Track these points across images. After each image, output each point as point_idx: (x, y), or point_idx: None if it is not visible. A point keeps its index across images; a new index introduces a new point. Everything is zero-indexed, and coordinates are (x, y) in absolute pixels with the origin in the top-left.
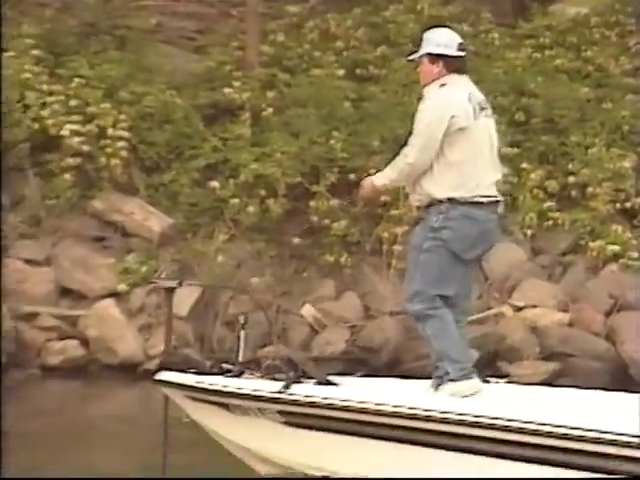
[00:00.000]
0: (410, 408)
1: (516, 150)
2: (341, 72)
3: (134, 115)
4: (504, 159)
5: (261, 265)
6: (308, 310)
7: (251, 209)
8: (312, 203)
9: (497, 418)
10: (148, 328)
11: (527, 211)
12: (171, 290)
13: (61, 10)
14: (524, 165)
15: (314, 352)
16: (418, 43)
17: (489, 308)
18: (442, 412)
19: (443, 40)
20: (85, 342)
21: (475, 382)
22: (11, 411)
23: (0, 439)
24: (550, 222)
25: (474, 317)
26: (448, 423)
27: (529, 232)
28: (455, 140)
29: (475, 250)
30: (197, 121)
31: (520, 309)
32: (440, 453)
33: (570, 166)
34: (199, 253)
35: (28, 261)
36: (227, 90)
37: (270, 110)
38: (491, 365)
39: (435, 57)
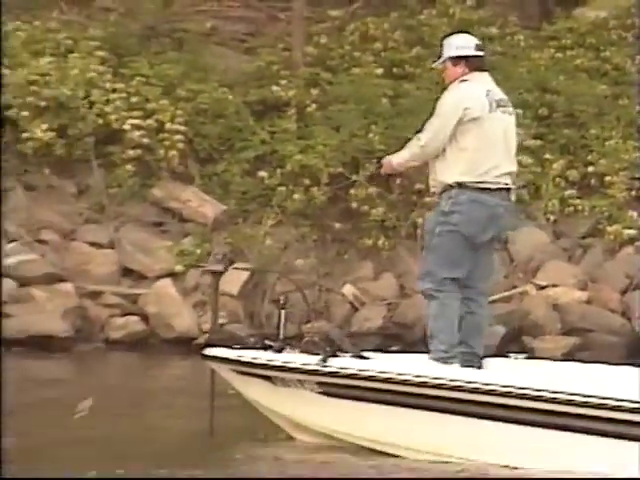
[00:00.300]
0: (434, 378)
1: (540, 142)
2: (379, 71)
3: (190, 111)
4: (529, 150)
5: (305, 248)
6: (348, 289)
7: (296, 196)
8: (352, 191)
9: (523, 388)
10: (202, 305)
11: (550, 198)
12: (217, 274)
13: (124, 15)
14: (547, 156)
15: (354, 327)
16: None
17: (514, 287)
18: (468, 382)
19: (462, 43)
20: (145, 318)
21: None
22: (79, 381)
23: (0, 439)
24: (571, 208)
25: (500, 295)
26: (476, 392)
27: (552, 217)
28: (468, 129)
29: (486, 234)
30: (247, 116)
31: (543, 288)
32: (468, 421)
33: (589, 157)
34: (249, 237)
35: (93, 244)
36: (275, 88)
37: (314, 106)
38: (516, 339)
39: (457, 59)
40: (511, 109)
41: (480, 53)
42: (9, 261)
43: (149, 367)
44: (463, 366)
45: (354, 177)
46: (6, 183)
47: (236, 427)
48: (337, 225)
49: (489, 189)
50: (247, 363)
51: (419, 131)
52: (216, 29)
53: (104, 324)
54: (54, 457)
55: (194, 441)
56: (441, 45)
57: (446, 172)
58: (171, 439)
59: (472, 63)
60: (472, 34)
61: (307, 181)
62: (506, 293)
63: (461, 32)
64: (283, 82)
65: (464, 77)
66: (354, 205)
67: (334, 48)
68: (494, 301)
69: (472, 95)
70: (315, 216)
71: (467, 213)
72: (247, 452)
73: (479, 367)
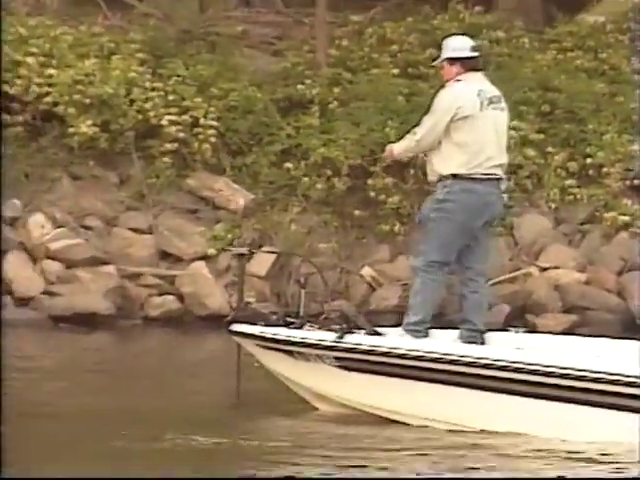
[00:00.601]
0: (445, 354)
1: (542, 136)
2: (395, 71)
3: (222, 107)
4: (533, 144)
5: (327, 233)
6: (367, 271)
7: (319, 186)
8: (370, 181)
9: (520, 362)
10: (232, 286)
11: (551, 187)
12: (242, 256)
13: (162, 20)
14: (549, 149)
15: (372, 306)
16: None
17: (519, 269)
18: (477, 357)
19: (458, 45)
20: (181, 297)
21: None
22: (119, 354)
23: (0, 439)
24: (571, 197)
25: (506, 277)
26: (482, 367)
27: (553, 205)
28: (460, 126)
29: (479, 220)
30: (274, 112)
31: (545, 270)
32: (468, 392)
33: (588, 150)
34: (276, 223)
35: (134, 230)
36: (300, 86)
37: (335, 103)
38: (520, 317)
39: (453, 60)
40: (503, 105)
41: (474, 54)
42: (57, 245)
43: (184, 342)
44: (467, 342)
45: (372, 168)
46: (54, 174)
47: (261, 397)
48: (356, 212)
49: (481, 179)
50: (269, 339)
51: (417, 125)
52: (246, 33)
53: (143, 303)
54: (88, 426)
55: (221, 411)
56: (440, 46)
57: (441, 164)
58: (200, 408)
59: (467, 64)
60: (474, 37)
61: (329, 172)
62: (511, 274)
63: (459, 34)
64: (307, 81)
65: (459, 77)
66: (372, 194)
67: (354, 50)
68: (500, 282)
69: (465, 95)
70: (336, 204)
71: (460, 201)
72: (270, 421)
73: (482, 342)
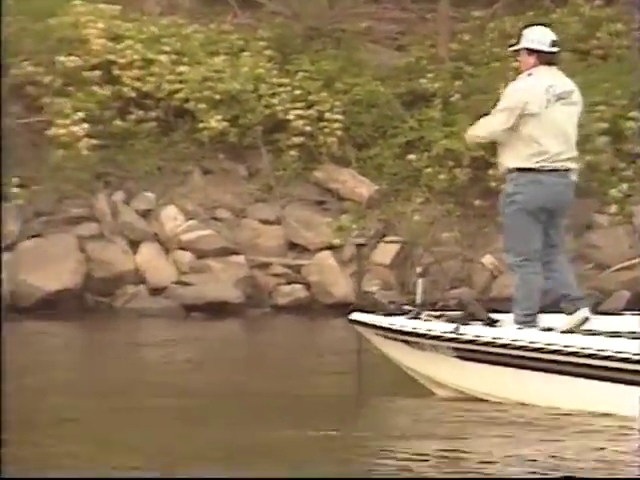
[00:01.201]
0: (547, 344)
1: None
2: (515, 64)
3: (347, 101)
4: None
5: (450, 223)
6: (488, 259)
7: (442, 177)
8: (491, 172)
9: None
10: (357, 275)
11: None
12: (361, 246)
13: (290, 17)
14: None
15: (493, 293)
16: (579, 39)
17: (638, 256)
18: (582, 347)
19: (537, 37)
20: (308, 286)
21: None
22: (249, 342)
23: (0, 439)
24: None
25: (625, 264)
26: (585, 356)
27: None
28: (526, 121)
29: (548, 208)
30: (397, 106)
31: None
32: (577, 380)
33: None
34: (399, 213)
35: (262, 221)
36: (422, 80)
37: (457, 96)
38: None
39: (531, 51)
40: (574, 99)
41: (553, 50)
42: (189, 236)
43: (311, 329)
44: (571, 313)
45: (492, 159)
46: (186, 167)
47: (381, 383)
48: (478, 202)
49: (547, 171)
50: (385, 328)
51: (487, 114)
52: (371, 29)
53: (272, 291)
54: (206, 412)
55: (342, 398)
56: (521, 34)
57: (508, 158)
58: (322, 396)
59: (543, 57)
60: (595, 28)
61: (451, 163)
62: (630, 262)
63: (541, 25)
64: (430, 75)
65: (531, 71)
66: (493, 184)
67: (476, 44)
68: (619, 269)
69: (532, 92)
70: (458, 194)
71: (528, 193)
72: (389, 407)
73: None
